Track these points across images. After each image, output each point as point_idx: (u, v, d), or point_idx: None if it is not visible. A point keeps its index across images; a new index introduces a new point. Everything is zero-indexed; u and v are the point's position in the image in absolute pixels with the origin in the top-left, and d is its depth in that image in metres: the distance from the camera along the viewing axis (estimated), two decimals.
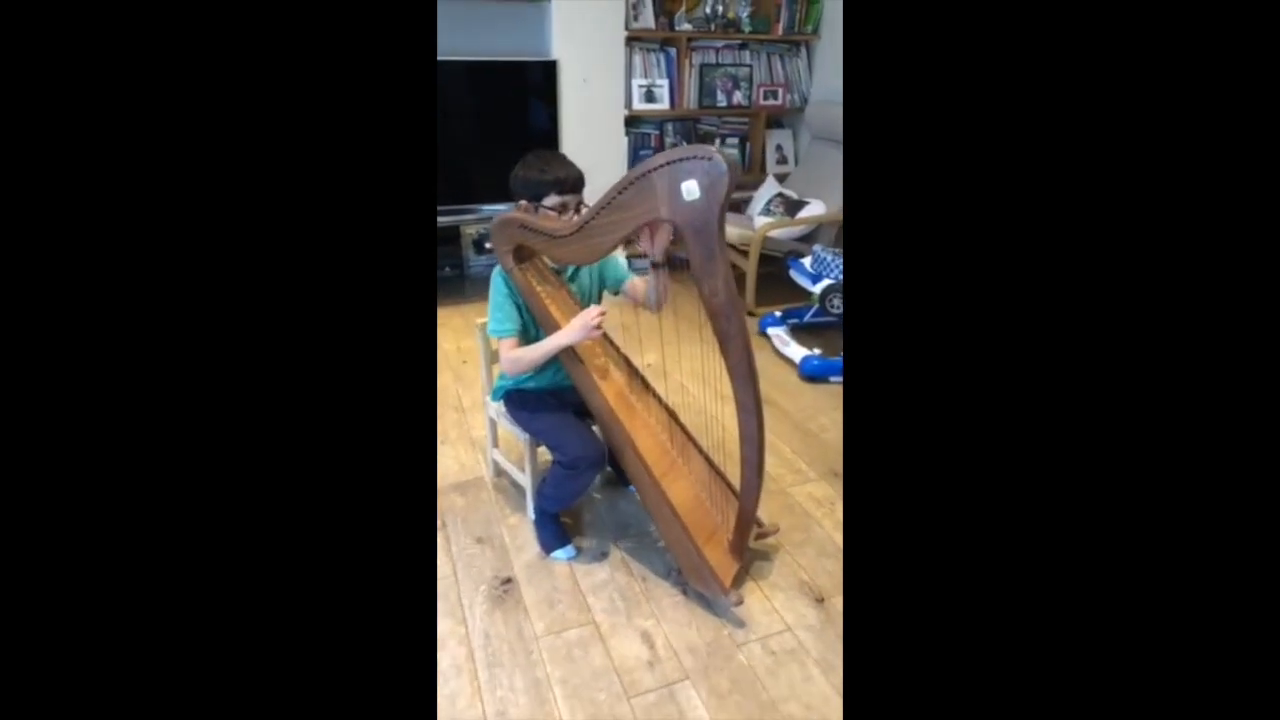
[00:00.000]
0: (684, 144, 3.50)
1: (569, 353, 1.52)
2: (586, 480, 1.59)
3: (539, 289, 1.54)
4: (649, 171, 1.26)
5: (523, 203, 1.53)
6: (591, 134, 3.20)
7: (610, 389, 1.57)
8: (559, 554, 1.66)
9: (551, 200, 1.49)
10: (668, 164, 1.25)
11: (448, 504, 1.86)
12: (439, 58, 2.86)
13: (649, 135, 3.38)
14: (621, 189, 1.31)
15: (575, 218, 1.45)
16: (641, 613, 1.52)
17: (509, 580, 1.60)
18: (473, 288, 3.44)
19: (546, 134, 3.08)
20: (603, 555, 1.69)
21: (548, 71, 3.01)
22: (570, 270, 1.63)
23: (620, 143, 3.28)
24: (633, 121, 3.32)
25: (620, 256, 1.72)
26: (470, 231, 3.43)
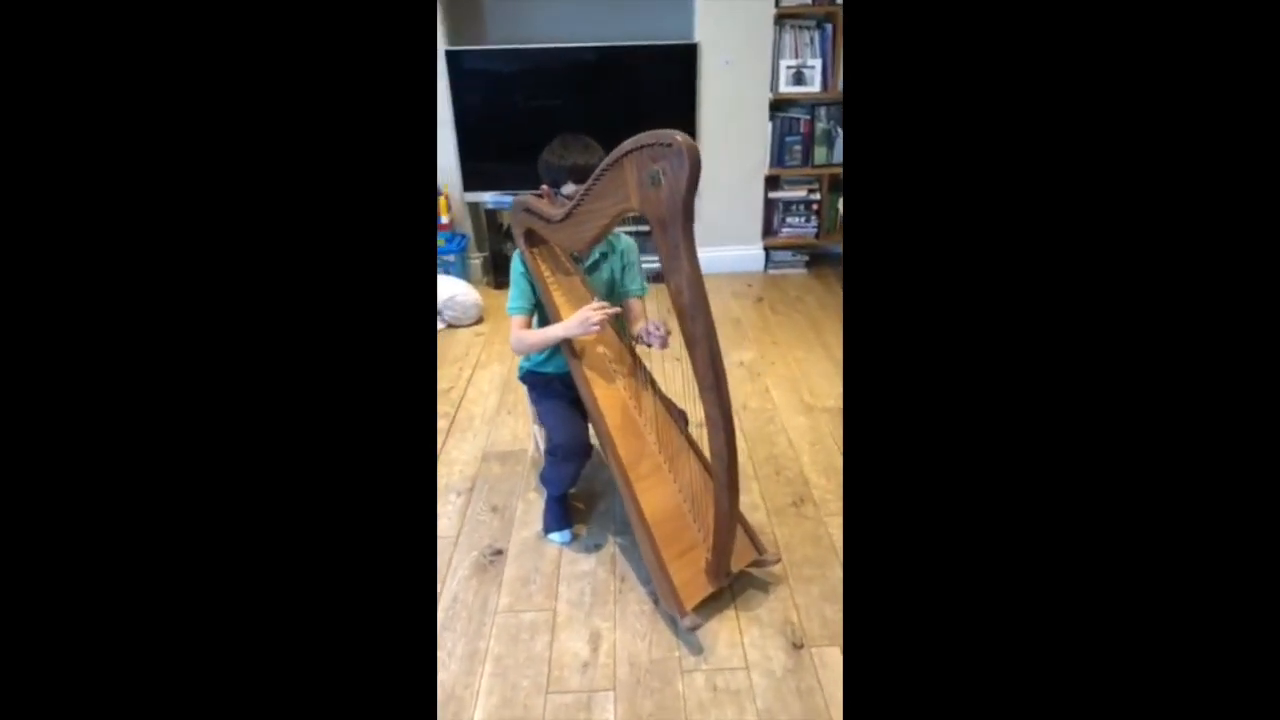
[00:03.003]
0: (838, 130, 3.22)
1: (567, 343, 1.51)
2: (567, 469, 1.57)
3: (547, 275, 1.55)
4: (620, 158, 1.20)
5: (544, 187, 1.54)
6: (733, 119, 3.08)
7: (600, 384, 1.53)
8: (554, 536, 1.68)
9: (568, 188, 1.48)
10: (635, 149, 1.17)
11: (484, 470, 1.97)
12: (573, 44, 2.96)
13: (797, 120, 3.15)
14: (598, 176, 1.26)
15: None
16: (603, 613, 1.48)
17: (500, 552, 1.66)
18: None
19: (683, 120, 3.03)
20: (596, 547, 1.66)
21: (687, 55, 2.95)
22: (591, 261, 1.61)
23: (764, 129, 3.11)
24: (779, 106, 3.12)
25: (639, 270, 1.64)
26: None
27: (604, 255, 1.60)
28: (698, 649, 1.38)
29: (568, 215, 1.36)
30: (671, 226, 1.17)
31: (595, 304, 1.42)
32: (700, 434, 1.44)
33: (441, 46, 2.92)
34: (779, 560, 1.55)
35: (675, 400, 1.64)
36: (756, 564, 1.53)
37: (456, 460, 2.02)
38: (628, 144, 1.18)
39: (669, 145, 1.12)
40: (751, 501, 1.79)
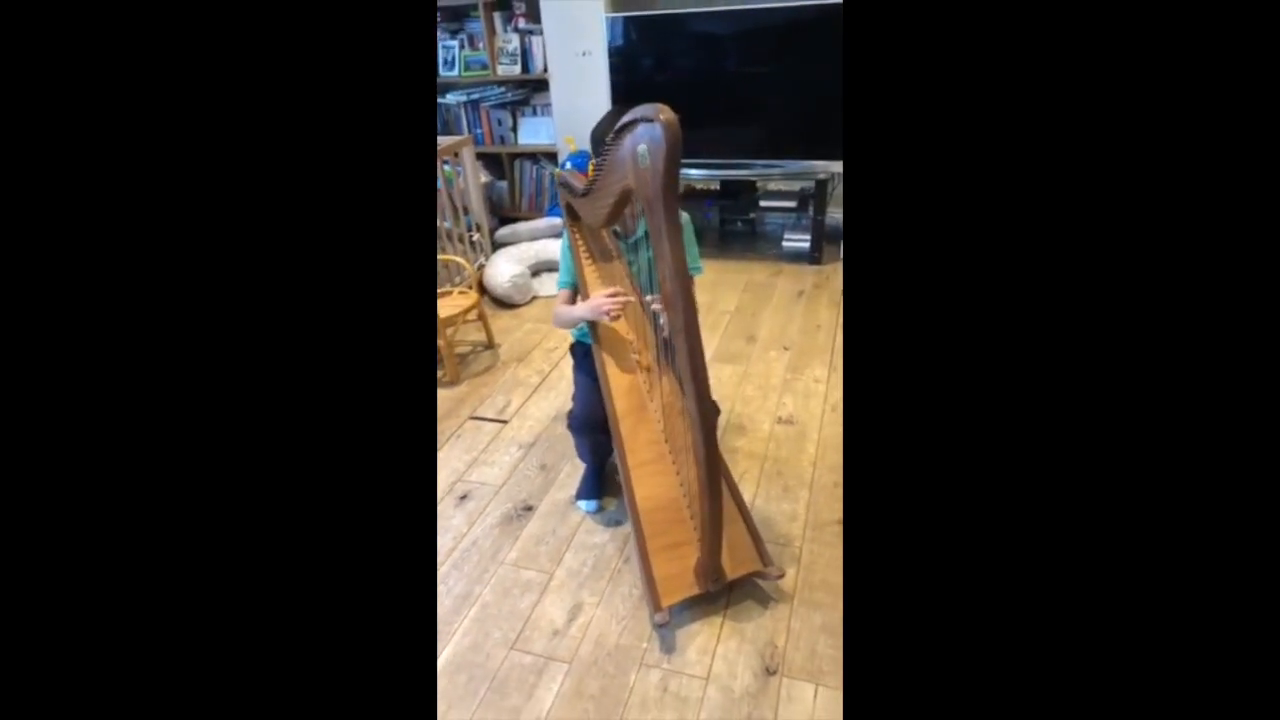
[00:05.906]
0: None
1: (592, 322, 1.51)
2: (582, 441, 1.58)
3: (583, 251, 1.55)
4: (620, 130, 1.15)
5: (593, 159, 1.53)
6: None
7: (615, 364, 1.51)
8: (581, 504, 1.71)
9: None
10: (630, 122, 1.12)
11: (551, 429, 2.06)
12: (724, 7, 2.83)
13: None
14: (606, 151, 1.22)
15: None
16: (594, 588, 1.49)
17: (530, 508, 1.74)
18: (763, 243, 3.41)
19: (833, 87, 2.77)
20: (616, 523, 1.67)
21: (836, 16, 2.67)
22: (635, 238, 1.56)
23: None
24: None
25: (694, 246, 1.55)
26: (763, 186, 3.36)
27: (649, 234, 1.55)
28: (669, 646, 1.34)
29: (587, 190, 1.35)
30: (655, 209, 1.11)
31: (610, 290, 1.40)
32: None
33: (604, 14, 2.98)
34: (781, 575, 1.42)
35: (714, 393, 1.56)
36: (758, 575, 1.42)
37: (531, 416, 2.14)
38: (626, 116, 1.13)
39: (651, 121, 1.05)
40: (793, 511, 1.66)
